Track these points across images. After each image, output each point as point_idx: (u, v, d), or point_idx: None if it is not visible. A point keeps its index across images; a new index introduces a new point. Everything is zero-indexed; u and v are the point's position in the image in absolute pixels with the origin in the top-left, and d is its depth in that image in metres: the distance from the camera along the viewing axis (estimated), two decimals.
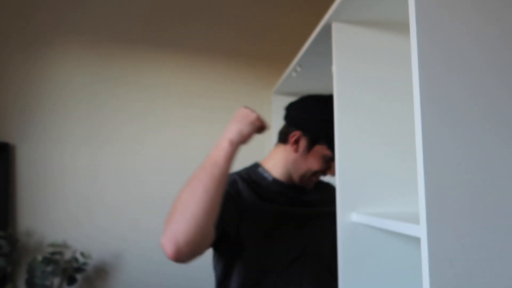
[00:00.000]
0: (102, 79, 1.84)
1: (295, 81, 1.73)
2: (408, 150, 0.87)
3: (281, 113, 1.96)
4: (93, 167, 1.79)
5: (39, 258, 1.54)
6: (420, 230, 0.49)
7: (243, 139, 0.92)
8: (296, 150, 1.10)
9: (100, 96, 1.84)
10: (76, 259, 1.64)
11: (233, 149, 0.90)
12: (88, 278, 1.72)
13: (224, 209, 0.93)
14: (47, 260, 1.55)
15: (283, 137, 1.16)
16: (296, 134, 1.10)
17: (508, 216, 0.50)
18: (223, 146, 0.90)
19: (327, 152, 1.05)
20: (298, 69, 1.45)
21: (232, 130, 0.92)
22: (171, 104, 1.91)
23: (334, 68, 0.91)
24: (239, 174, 1.12)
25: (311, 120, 1.07)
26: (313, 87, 1.85)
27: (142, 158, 1.85)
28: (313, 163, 1.08)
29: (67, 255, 1.70)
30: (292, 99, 1.99)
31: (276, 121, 1.95)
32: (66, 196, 1.75)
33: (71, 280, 1.61)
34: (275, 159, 1.16)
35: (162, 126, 1.89)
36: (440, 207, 0.48)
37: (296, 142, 1.10)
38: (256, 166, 1.18)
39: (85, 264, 1.63)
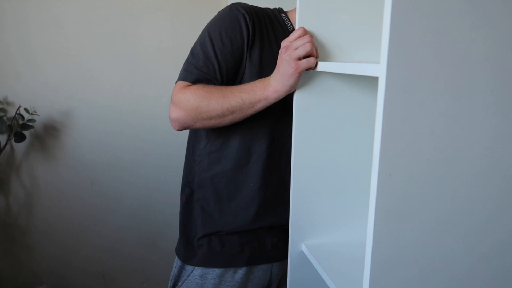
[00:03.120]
0: None
1: None
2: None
3: None
4: (26, 12, 1.57)
5: None
6: None
7: (290, 90, 0.87)
8: None
9: None
10: (21, 116, 1.56)
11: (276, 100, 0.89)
12: (38, 136, 1.67)
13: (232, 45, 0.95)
14: None
15: None
16: None
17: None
18: (267, 97, 0.88)
19: None
20: None
21: (278, 87, 0.87)
22: None
23: None
24: (257, 12, 0.99)
25: None
26: None
27: (82, 5, 1.64)
28: None
29: (11, 112, 1.61)
30: None
31: None
32: (1, 47, 1.57)
33: (19, 136, 1.56)
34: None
35: None
36: None
37: None
38: (279, 10, 1.06)
39: (31, 120, 1.57)
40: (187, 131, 1.09)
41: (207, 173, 1.03)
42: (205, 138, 1.04)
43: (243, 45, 0.95)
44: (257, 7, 1.02)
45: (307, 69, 0.83)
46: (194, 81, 0.93)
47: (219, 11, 1.00)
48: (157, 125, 1.81)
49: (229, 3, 1.74)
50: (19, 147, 1.65)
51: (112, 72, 1.72)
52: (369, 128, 0.89)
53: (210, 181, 1.03)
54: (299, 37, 0.82)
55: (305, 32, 0.82)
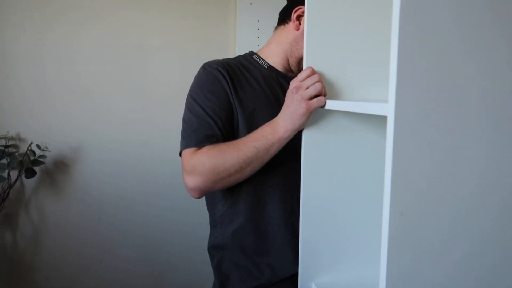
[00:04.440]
0: None
1: None
2: None
3: (247, 0, 1.83)
4: (41, 49, 1.64)
5: None
6: None
7: (300, 128, 0.88)
8: (297, 27, 1.02)
9: None
10: (32, 152, 1.58)
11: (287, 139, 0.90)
12: (47, 171, 1.69)
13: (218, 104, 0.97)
14: (1, 152, 1.49)
15: (283, 17, 1.07)
16: (300, 8, 1.01)
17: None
18: (280, 138, 0.89)
19: None
20: None
21: (288, 127, 0.88)
22: None
23: None
24: (228, 62, 1.04)
25: None
26: None
27: (98, 38, 1.70)
28: None
29: (23, 147, 1.64)
30: None
31: (241, 10, 1.83)
32: (14, 83, 1.62)
33: (30, 172, 1.58)
34: (271, 44, 1.09)
35: (119, 4, 1.71)
36: None
37: (298, 18, 1.02)
38: (250, 54, 1.11)
39: (42, 156, 1.59)
40: None
41: (229, 230, 1.03)
42: (221, 198, 1.04)
43: (227, 95, 0.98)
44: (228, 58, 1.07)
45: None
46: (197, 144, 0.93)
47: (195, 76, 1.03)
48: (166, 157, 1.82)
49: (237, 44, 1.84)
50: (29, 183, 1.66)
51: (122, 108, 1.76)
52: (378, 166, 0.89)
53: (233, 237, 1.02)
54: (308, 76, 0.84)
55: (314, 72, 0.84)
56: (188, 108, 1.00)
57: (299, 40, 1.02)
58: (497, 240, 0.55)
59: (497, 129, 0.53)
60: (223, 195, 1.04)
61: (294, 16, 1.02)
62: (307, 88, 0.83)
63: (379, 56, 0.85)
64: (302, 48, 1.00)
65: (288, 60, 1.07)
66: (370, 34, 0.84)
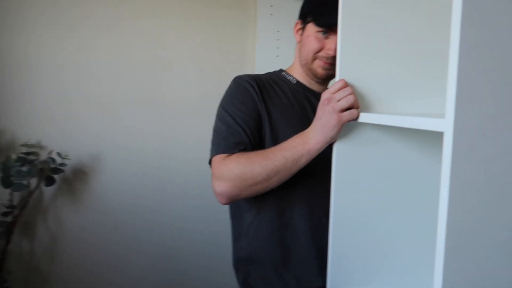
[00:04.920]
0: None
1: None
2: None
3: (267, 11, 1.83)
4: (61, 59, 1.65)
5: (14, 157, 1.48)
6: None
7: (331, 141, 0.87)
8: (298, 39, 1.08)
9: None
10: (52, 160, 1.58)
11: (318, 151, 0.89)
12: (66, 179, 1.69)
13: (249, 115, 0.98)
14: (22, 160, 1.49)
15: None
16: (297, 22, 1.08)
17: None
18: (310, 150, 0.88)
19: (316, 28, 1.00)
20: None
21: (319, 139, 0.87)
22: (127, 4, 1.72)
23: None
24: (258, 76, 1.07)
25: (303, 2, 1.08)
26: None
27: (118, 49, 1.71)
28: (309, 44, 1.03)
29: (43, 155, 1.64)
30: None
31: (261, 21, 1.82)
32: (36, 92, 1.63)
33: (49, 180, 1.58)
34: (295, 61, 1.13)
35: (139, 15, 1.72)
36: None
37: (298, 30, 1.08)
38: (280, 71, 1.14)
39: (62, 164, 1.59)
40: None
41: (255, 242, 1.02)
42: (248, 208, 1.03)
43: (256, 105, 0.99)
44: (258, 74, 1.10)
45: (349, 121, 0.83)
46: (226, 150, 0.94)
47: (226, 90, 1.06)
48: (182, 167, 1.82)
49: (256, 56, 1.83)
50: (47, 191, 1.66)
51: (140, 118, 1.76)
52: (410, 179, 0.87)
53: (261, 249, 1.01)
54: (340, 89, 0.83)
55: (346, 84, 0.83)
56: (219, 118, 1.01)
57: (300, 48, 1.07)
58: None
59: None
60: (250, 205, 1.03)
61: (295, 30, 1.09)
62: (339, 100, 0.82)
63: (411, 69, 0.84)
64: (303, 53, 1.05)
65: (304, 72, 1.09)
66: (403, 47, 0.83)
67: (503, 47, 0.47)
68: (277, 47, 1.84)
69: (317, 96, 1.08)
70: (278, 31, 1.84)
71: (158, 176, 1.80)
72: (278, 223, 1.01)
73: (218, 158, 0.95)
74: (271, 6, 1.83)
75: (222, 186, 0.92)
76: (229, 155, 0.94)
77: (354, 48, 0.82)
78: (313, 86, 1.10)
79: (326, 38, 1.00)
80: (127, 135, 1.75)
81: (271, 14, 1.83)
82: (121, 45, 1.71)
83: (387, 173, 0.87)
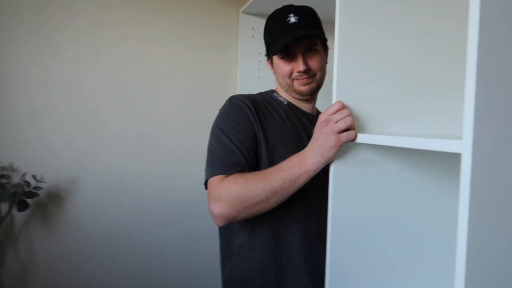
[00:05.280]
0: None
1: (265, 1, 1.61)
2: None
3: (249, 34, 1.86)
4: (42, 82, 1.59)
5: None
6: None
7: (328, 161, 0.88)
8: (273, 71, 1.14)
9: (49, 7, 1.58)
10: (27, 183, 1.50)
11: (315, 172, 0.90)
12: (40, 204, 1.60)
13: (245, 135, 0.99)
14: None
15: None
16: (268, 61, 1.16)
17: None
18: (307, 170, 0.88)
19: (278, 56, 1.06)
20: None
21: (317, 159, 0.87)
22: (129, 17, 1.70)
23: None
24: (253, 96, 1.09)
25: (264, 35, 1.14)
26: None
27: (98, 74, 1.67)
28: (280, 71, 1.08)
29: (15, 178, 1.55)
30: (261, 20, 1.90)
31: (243, 43, 1.84)
32: (8, 111, 1.55)
33: (22, 205, 1.49)
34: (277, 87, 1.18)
35: (120, 40, 1.70)
36: None
37: (270, 65, 1.15)
38: (271, 91, 1.16)
39: (37, 188, 1.50)
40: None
41: (247, 263, 1.00)
42: (239, 229, 1.03)
43: (252, 125, 1.00)
44: (252, 94, 1.13)
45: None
46: (223, 171, 0.94)
47: (220, 109, 1.07)
48: (165, 193, 1.77)
49: (238, 76, 1.85)
50: (19, 216, 1.56)
51: (122, 139, 1.71)
52: (408, 199, 0.88)
53: (254, 270, 1.00)
54: (337, 110, 0.84)
55: (344, 106, 0.84)
56: (214, 138, 1.01)
57: (277, 77, 1.13)
58: None
59: None
60: (241, 226, 1.02)
61: (269, 67, 1.16)
62: (337, 122, 0.83)
63: (407, 90, 0.87)
64: (279, 78, 1.10)
65: (292, 94, 1.12)
66: (399, 68, 0.86)
67: None
68: (258, 69, 1.87)
69: (307, 116, 1.10)
70: (259, 53, 1.86)
71: (138, 201, 1.74)
72: (273, 243, 1.00)
73: (215, 179, 0.94)
74: (253, 28, 1.86)
75: (220, 208, 0.91)
76: (226, 176, 0.93)
77: (350, 69, 0.84)
78: (302, 106, 1.13)
79: (291, 60, 1.06)
80: (106, 158, 1.69)
81: (253, 37, 1.87)
82: (102, 64, 1.67)
83: (384, 193, 0.88)
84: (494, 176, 0.49)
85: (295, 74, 1.06)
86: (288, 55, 1.05)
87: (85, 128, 1.66)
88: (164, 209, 1.77)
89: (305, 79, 1.06)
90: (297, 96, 1.10)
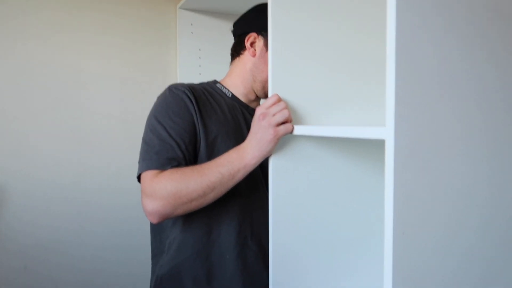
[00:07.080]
0: None
1: None
2: None
3: (188, 29, 1.82)
4: None
5: None
6: None
7: (267, 155, 0.87)
8: (254, 53, 1.04)
9: None
10: None
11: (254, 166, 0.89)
12: None
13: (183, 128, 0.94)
14: None
15: (235, 50, 1.10)
16: (251, 35, 1.04)
17: None
18: (246, 165, 0.87)
19: None
20: None
21: (256, 154, 0.86)
22: (59, 9, 1.60)
23: None
24: (194, 87, 1.02)
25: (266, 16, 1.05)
26: (225, 4, 1.73)
27: (22, 65, 1.55)
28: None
29: None
30: (200, 16, 1.87)
31: (182, 39, 1.80)
32: None
33: None
34: (231, 75, 1.09)
35: (48, 28, 1.59)
36: None
37: (252, 44, 1.05)
38: (214, 82, 1.10)
39: None
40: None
41: (178, 258, 0.97)
42: (171, 224, 0.99)
43: (192, 118, 0.96)
44: (193, 83, 1.07)
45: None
46: (159, 166, 0.90)
47: (158, 96, 1.01)
48: (103, 201, 1.69)
49: (178, 72, 1.81)
50: None
51: (54, 143, 1.60)
52: (346, 190, 0.91)
53: (184, 266, 0.97)
54: (274, 103, 0.85)
55: (280, 99, 0.85)
56: (150, 129, 0.95)
57: (258, 64, 1.04)
58: (505, 258, 0.59)
59: (498, 148, 0.57)
60: (174, 221, 0.99)
61: (248, 44, 1.05)
62: (274, 115, 0.84)
63: (343, 80, 0.89)
64: (263, 71, 1.03)
65: (251, 89, 1.08)
66: (334, 59, 0.88)
67: (439, 53, 0.52)
68: (199, 65, 1.84)
69: (250, 111, 1.09)
70: (200, 49, 1.84)
71: (72, 210, 1.64)
72: (206, 241, 0.98)
73: (149, 174, 0.89)
74: (192, 24, 1.83)
75: (154, 205, 0.87)
76: (161, 171, 0.89)
77: (286, 62, 0.85)
78: (248, 101, 1.10)
79: None
80: (36, 163, 1.57)
81: (192, 33, 1.83)
82: (27, 60, 1.56)
83: (323, 184, 0.90)
84: (417, 160, 0.51)
85: None
86: None
87: (10, 134, 1.53)
88: (101, 217, 1.69)
89: None
90: (253, 97, 1.09)
